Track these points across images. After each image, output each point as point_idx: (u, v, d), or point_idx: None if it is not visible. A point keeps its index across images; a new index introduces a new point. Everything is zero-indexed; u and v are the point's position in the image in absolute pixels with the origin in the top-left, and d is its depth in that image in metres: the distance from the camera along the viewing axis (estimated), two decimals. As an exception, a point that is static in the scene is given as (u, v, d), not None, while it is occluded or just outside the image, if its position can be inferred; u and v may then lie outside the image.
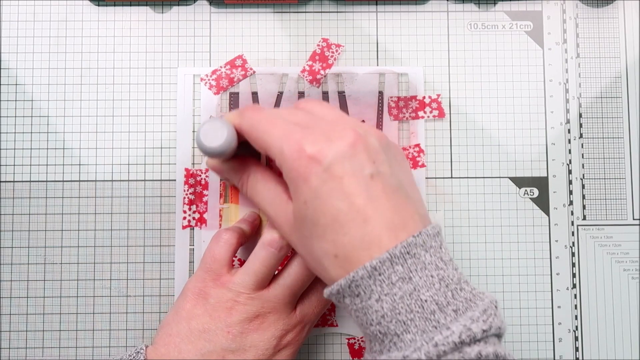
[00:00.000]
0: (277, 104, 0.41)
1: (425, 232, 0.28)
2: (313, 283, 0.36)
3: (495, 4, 0.42)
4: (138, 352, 0.33)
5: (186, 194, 0.40)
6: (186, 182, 0.40)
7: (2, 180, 0.40)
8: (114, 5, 0.42)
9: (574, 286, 0.40)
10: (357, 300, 0.28)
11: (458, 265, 0.29)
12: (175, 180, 0.40)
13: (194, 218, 0.40)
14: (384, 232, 0.28)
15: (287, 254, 0.35)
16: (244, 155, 0.35)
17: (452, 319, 0.27)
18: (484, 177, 0.41)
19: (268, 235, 0.35)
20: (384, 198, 0.28)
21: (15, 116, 0.41)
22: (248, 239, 0.37)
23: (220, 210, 0.40)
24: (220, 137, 0.32)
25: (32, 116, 0.41)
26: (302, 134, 0.29)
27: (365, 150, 0.29)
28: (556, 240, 0.41)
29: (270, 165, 0.37)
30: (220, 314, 0.33)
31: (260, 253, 0.34)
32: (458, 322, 0.27)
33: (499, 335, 0.28)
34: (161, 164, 0.41)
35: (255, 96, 0.41)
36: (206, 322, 0.33)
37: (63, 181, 0.40)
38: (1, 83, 0.41)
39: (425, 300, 0.27)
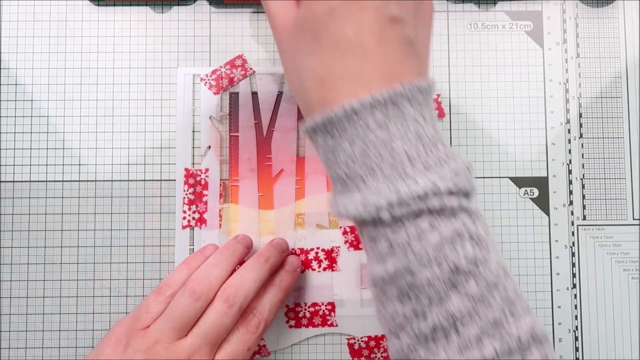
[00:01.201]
0: (277, 104, 0.41)
1: (416, 85, 0.27)
2: (230, 335, 0.35)
3: (495, 4, 0.42)
4: None
5: (186, 194, 0.40)
6: (186, 182, 0.40)
7: (2, 180, 0.40)
8: (114, 5, 0.42)
9: (574, 286, 0.40)
10: (329, 139, 0.27)
11: (439, 128, 0.28)
12: (175, 180, 0.40)
13: (193, 218, 0.40)
14: (378, 76, 0.27)
15: (206, 304, 0.34)
16: None
17: (420, 172, 0.26)
18: (484, 177, 0.41)
19: (190, 284, 0.34)
20: (394, 46, 0.27)
21: (15, 116, 0.41)
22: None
23: (220, 210, 0.40)
24: None
25: (32, 116, 0.41)
26: None
27: None
28: (556, 240, 0.41)
29: None
30: None
31: (179, 300, 0.34)
32: (425, 177, 0.26)
33: (467, 196, 0.27)
34: (161, 164, 0.41)
35: (255, 96, 0.41)
36: None
37: (63, 181, 0.40)
38: (1, 83, 0.41)
39: (395, 149, 0.26)
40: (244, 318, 0.35)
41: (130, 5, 0.42)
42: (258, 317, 0.36)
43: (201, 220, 0.40)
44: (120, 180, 0.40)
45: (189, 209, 0.40)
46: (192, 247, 0.40)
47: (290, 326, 0.40)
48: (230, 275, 0.36)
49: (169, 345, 0.33)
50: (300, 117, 0.41)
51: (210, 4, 0.42)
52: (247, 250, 0.38)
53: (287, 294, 0.38)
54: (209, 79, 0.41)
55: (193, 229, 0.40)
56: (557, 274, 0.40)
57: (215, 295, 0.35)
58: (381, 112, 0.26)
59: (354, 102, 0.26)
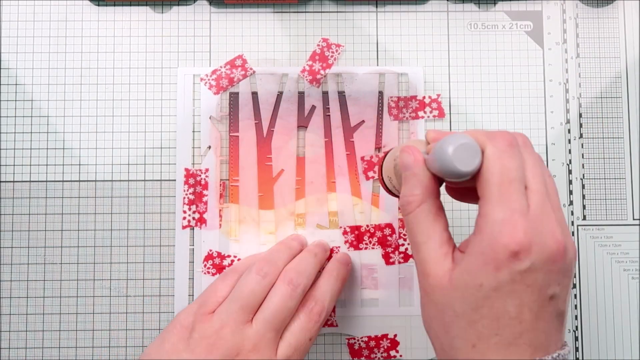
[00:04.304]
0: (277, 104, 0.41)
1: (563, 355, 0.28)
2: (292, 324, 0.35)
3: (495, 4, 0.42)
4: None
5: (186, 194, 0.40)
6: (186, 182, 0.40)
7: (2, 180, 0.40)
8: (114, 5, 0.42)
9: (574, 286, 0.40)
10: None
11: None
12: (175, 180, 0.40)
13: (193, 218, 0.40)
14: (529, 349, 0.27)
15: (271, 284, 0.34)
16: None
17: None
18: (484, 177, 0.41)
19: (256, 263, 0.35)
20: (548, 321, 0.28)
21: (15, 116, 0.41)
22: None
23: (220, 210, 0.40)
24: (472, 163, 0.27)
25: (32, 116, 0.41)
26: (524, 222, 0.27)
27: (561, 271, 0.28)
28: (556, 240, 0.41)
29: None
30: (201, 352, 0.32)
31: (246, 279, 0.34)
32: None
33: None
34: (161, 164, 0.41)
35: (255, 96, 0.41)
36: None
37: (63, 181, 0.40)
38: (1, 83, 0.41)
39: None
40: (305, 306, 0.35)
41: (130, 5, 0.42)
42: (320, 305, 0.35)
43: (201, 220, 0.40)
44: (120, 180, 0.40)
45: (189, 209, 0.40)
46: (192, 247, 0.40)
47: (290, 326, 0.40)
48: None
49: (235, 329, 0.33)
50: (300, 117, 0.41)
51: (210, 4, 0.42)
52: (302, 248, 0.39)
53: (343, 285, 0.38)
54: (209, 79, 0.41)
55: (193, 229, 0.40)
56: (557, 274, 0.40)
57: (278, 279, 0.35)
58: None
59: None
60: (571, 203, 0.41)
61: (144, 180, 0.40)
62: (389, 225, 0.40)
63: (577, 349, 0.40)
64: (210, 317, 0.33)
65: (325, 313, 0.36)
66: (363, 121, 0.41)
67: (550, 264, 0.27)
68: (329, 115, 0.41)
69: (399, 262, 0.40)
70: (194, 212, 0.40)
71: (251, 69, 0.41)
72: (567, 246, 0.28)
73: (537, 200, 0.28)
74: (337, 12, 0.42)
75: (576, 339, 0.40)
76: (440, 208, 0.30)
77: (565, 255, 0.28)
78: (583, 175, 0.41)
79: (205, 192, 0.40)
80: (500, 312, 0.27)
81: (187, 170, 0.40)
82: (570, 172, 0.41)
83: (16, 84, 0.41)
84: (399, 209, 0.40)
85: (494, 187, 0.27)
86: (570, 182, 0.41)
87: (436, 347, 0.30)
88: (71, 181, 0.40)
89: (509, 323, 0.27)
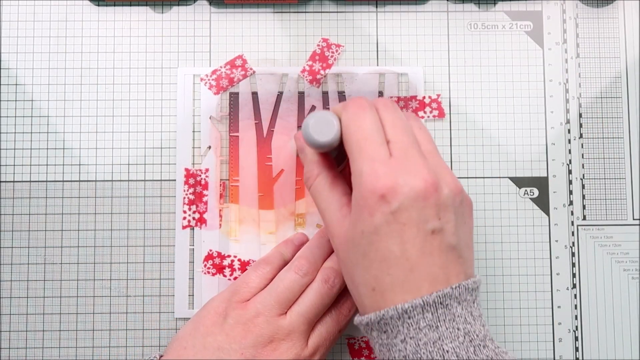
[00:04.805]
0: (277, 104, 0.41)
1: (464, 285, 0.29)
2: (324, 316, 0.36)
3: (495, 4, 0.42)
4: None
5: (186, 194, 0.40)
6: (186, 182, 0.40)
7: (2, 180, 0.40)
8: (114, 5, 0.42)
9: (574, 286, 0.40)
10: (384, 336, 0.29)
11: (486, 322, 0.30)
12: (175, 180, 0.40)
13: (194, 218, 0.40)
14: (425, 284, 0.29)
15: (309, 282, 0.35)
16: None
17: None
18: (484, 177, 0.41)
19: (296, 260, 0.36)
20: (437, 255, 0.29)
21: (15, 116, 0.41)
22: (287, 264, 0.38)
23: (220, 210, 0.40)
24: (329, 132, 0.32)
25: (32, 116, 0.41)
26: (385, 168, 0.29)
27: (435, 205, 0.29)
28: (556, 240, 0.41)
29: (342, 171, 0.36)
30: (236, 335, 0.33)
31: (285, 275, 0.35)
32: None
33: None
34: (161, 164, 0.41)
35: (255, 96, 0.41)
36: (222, 341, 0.33)
37: (63, 181, 0.40)
38: (1, 83, 0.41)
39: (447, 351, 0.28)
40: (336, 301, 0.36)
41: (130, 5, 0.42)
42: (350, 300, 0.37)
43: (201, 220, 0.40)
44: (120, 180, 0.40)
45: (189, 209, 0.40)
46: (192, 247, 0.40)
47: (290, 326, 0.40)
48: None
49: (269, 319, 0.34)
50: (300, 116, 0.41)
51: (210, 4, 0.42)
52: None
53: None
54: (209, 79, 0.41)
55: (193, 229, 0.40)
56: (557, 274, 0.41)
57: (316, 276, 0.36)
58: (431, 313, 0.28)
59: (405, 303, 0.28)
60: (571, 203, 0.41)
61: (144, 180, 0.40)
62: (389, 225, 0.40)
63: (577, 349, 0.40)
64: (244, 305, 0.34)
65: (355, 308, 0.37)
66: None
67: (421, 200, 0.29)
68: (329, 115, 0.41)
69: (399, 262, 0.40)
70: (194, 212, 0.40)
71: (251, 69, 0.41)
72: (439, 183, 0.30)
73: (398, 148, 0.30)
74: (337, 12, 0.42)
75: (576, 339, 0.40)
76: (336, 177, 0.34)
77: (438, 192, 0.29)
78: (583, 175, 0.41)
79: (205, 192, 0.40)
80: (386, 253, 0.29)
81: (187, 170, 0.40)
82: (570, 172, 0.41)
83: (16, 84, 0.41)
84: None
85: (353, 146, 0.31)
86: (570, 182, 0.41)
87: (355, 301, 0.32)
88: (71, 181, 0.40)
89: (396, 262, 0.29)
